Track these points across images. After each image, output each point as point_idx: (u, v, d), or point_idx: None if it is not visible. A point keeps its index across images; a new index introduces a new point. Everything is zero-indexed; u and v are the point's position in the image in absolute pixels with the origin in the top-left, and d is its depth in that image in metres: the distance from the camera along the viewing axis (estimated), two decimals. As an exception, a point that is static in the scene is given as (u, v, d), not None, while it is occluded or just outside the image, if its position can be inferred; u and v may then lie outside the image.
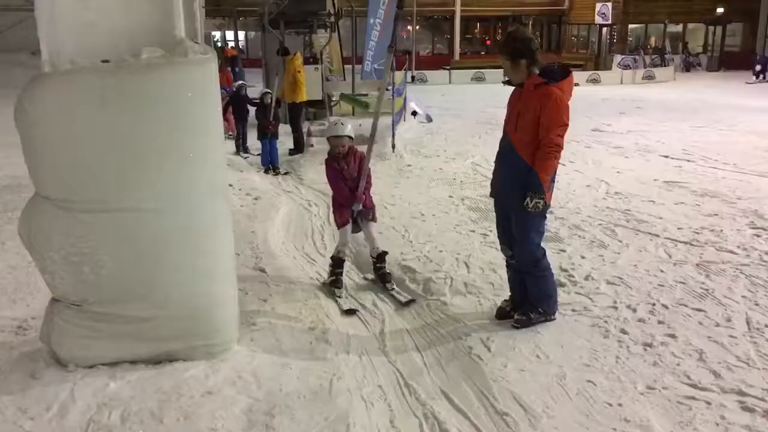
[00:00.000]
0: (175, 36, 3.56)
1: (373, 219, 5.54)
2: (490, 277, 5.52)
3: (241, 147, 12.53)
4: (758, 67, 27.27)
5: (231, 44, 31.11)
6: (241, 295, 5.06)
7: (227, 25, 30.20)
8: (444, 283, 5.41)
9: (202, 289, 3.86)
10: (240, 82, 13.94)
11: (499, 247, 4.85)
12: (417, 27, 35.24)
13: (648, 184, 9.18)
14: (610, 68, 30.50)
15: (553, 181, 4.38)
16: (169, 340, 3.83)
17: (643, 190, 8.83)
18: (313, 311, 4.95)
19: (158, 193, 3.59)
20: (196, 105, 3.62)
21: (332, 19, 15.09)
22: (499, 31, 36.50)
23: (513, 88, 4.43)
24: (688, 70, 32.98)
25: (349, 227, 5.43)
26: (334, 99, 15.82)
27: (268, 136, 10.92)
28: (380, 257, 5.51)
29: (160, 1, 3.51)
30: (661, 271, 5.61)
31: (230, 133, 13.42)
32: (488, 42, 36.41)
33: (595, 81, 27.07)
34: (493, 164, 4.63)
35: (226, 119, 13.42)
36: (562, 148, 4.22)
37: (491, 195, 4.73)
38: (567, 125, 4.20)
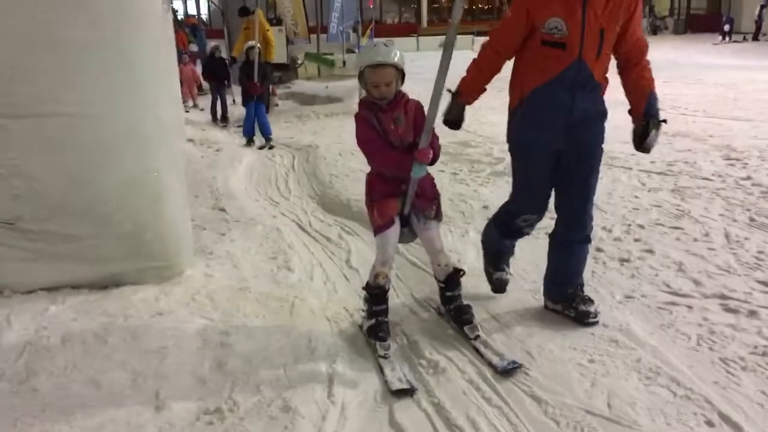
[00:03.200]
0: None
1: (438, 216, 3.23)
2: (460, 206, 5.32)
3: (220, 115, 11.26)
4: (726, 27, 27.29)
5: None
6: (198, 231, 4.79)
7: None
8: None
9: (149, 205, 3.56)
10: (213, 44, 13.02)
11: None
12: (384, -4, 34.85)
13: (619, 129, 8.93)
14: (578, 33, 30.35)
15: None
16: (114, 261, 3.54)
17: (614, 133, 8.53)
18: (275, 243, 4.69)
19: (95, 96, 3.28)
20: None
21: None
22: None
23: None
24: (655, 33, 32.93)
25: (395, 231, 3.14)
26: (299, 62, 15.43)
27: (254, 98, 9.22)
28: (451, 280, 3.29)
29: None
30: (636, 197, 5.44)
31: (190, 102, 12.88)
32: (456, 10, 36.10)
33: (563, 45, 26.91)
34: (527, 107, 3.16)
35: (188, 87, 12.82)
36: None
37: (532, 148, 3.24)
38: None
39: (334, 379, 2.87)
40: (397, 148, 3.05)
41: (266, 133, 9.11)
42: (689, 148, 7.37)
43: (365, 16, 28.94)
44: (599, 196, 5.42)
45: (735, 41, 26.85)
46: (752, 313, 3.30)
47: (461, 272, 3.34)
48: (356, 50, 14.35)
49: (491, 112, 10.68)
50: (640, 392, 2.68)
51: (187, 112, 11.76)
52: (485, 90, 3.31)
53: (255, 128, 9.21)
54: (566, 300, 3.36)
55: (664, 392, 2.67)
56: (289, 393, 2.73)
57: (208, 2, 29.54)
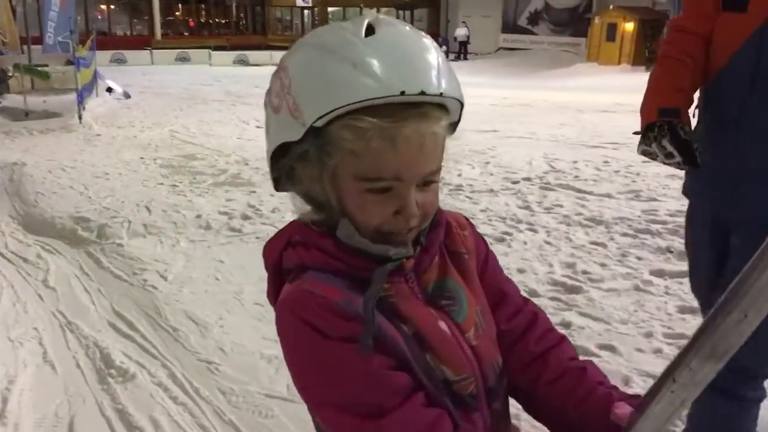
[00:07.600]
0: None
1: None
2: (173, 217, 5.26)
3: None
4: (443, 48, 30.26)
5: None
6: None
7: None
8: (121, 227, 5.02)
9: None
10: None
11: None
12: (112, 7, 33.01)
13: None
14: (314, 49, 31.55)
15: None
16: None
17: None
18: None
19: None
20: None
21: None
22: (203, 13, 35.56)
23: None
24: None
25: None
26: (10, 73, 14.04)
27: None
28: None
29: None
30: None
31: None
32: (191, 23, 35.25)
33: (300, 60, 27.80)
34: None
35: None
36: None
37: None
38: None
39: (9, 399, 2.72)
40: (471, 408, 0.86)
41: None
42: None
43: (92, 26, 27.16)
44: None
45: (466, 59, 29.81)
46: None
47: None
48: (74, 62, 13.17)
49: (219, 125, 10.78)
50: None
51: None
52: None
53: None
54: None
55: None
56: (-48, 422, 2.54)
57: None
